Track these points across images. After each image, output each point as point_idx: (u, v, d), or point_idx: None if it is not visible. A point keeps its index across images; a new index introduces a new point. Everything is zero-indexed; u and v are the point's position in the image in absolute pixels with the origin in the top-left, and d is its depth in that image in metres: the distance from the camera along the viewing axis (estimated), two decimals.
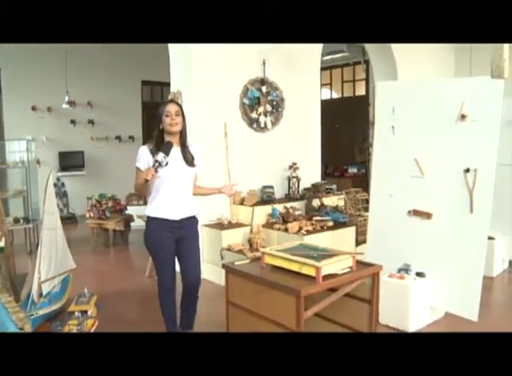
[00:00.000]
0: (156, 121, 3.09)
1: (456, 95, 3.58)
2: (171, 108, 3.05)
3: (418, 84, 4.06)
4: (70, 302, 3.84)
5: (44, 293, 3.79)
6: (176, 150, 3.06)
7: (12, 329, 2.24)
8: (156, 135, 3.09)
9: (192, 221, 3.22)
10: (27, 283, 4.12)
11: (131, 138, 9.58)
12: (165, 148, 2.94)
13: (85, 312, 3.51)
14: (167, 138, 3.08)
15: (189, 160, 3.10)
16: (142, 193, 3.32)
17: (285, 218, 5.12)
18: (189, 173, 3.13)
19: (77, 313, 3.46)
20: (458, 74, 7.56)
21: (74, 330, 3.19)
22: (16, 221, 6.25)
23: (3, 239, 3.45)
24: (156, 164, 2.86)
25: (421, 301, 3.68)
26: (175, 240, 3.13)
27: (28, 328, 2.29)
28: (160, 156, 2.87)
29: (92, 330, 3.36)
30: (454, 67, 7.79)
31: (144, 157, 3.06)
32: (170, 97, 5.27)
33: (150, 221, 3.14)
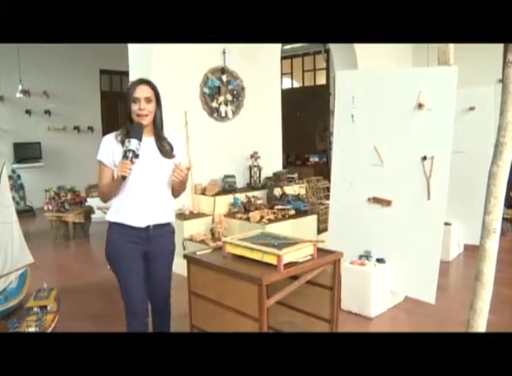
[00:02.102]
0: (124, 107, 2.48)
1: (413, 84, 3.65)
2: (140, 92, 2.40)
3: (377, 73, 4.12)
4: (28, 298, 3.75)
5: None
6: (149, 140, 2.47)
7: None
8: (126, 124, 2.47)
9: (165, 230, 2.57)
10: None
11: (90, 128, 9.38)
12: (135, 132, 2.36)
13: (45, 307, 3.43)
14: None
15: (165, 150, 2.49)
16: (111, 196, 2.48)
17: (247, 208, 5.13)
18: (165, 167, 2.48)
19: (35, 309, 3.38)
20: (416, 64, 7.70)
21: (33, 326, 3.11)
22: None
23: None
24: (131, 154, 2.29)
25: (381, 286, 3.77)
26: (143, 253, 2.52)
27: None
28: (134, 143, 2.30)
29: (53, 326, 3.28)
30: (412, 57, 7.94)
31: (108, 148, 2.46)
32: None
33: (111, 228, 2.52)
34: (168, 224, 2.60)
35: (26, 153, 8.75)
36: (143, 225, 2.48)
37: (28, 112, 8.76)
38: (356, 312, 3.77)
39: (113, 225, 2.50)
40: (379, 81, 3.90)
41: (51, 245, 6.37)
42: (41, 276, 4.25)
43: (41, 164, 8.80)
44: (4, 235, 3.78)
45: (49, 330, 3.22)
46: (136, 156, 2.31)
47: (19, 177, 8.32)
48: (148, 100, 2.42)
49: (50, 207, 6.53)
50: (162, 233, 2.56)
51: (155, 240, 2.53)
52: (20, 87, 8.34)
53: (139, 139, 2.34)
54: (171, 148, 2.52)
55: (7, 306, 3.59)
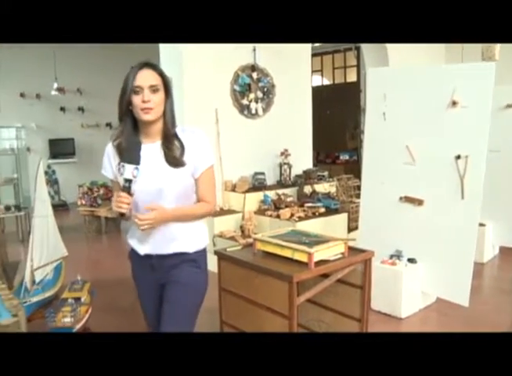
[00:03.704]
0: (121, 99, 1.88)
1: (447, 81, 3.58)
2: (143, 79, 1.84)
3: (409, 70, 4.06)
4: (63, 289, 3.84)
5: (37, 280, 3.79)
6: (153, 146, 1.92)
7: (6, 316, 2.24)
8: (122, 124, 1.92)
9: (180, 260, 2.00)
10: (20, 271, 4.12)
11: None
12: (131, 154, 1.84)
13: (79, 299, 3.50)
14: (142, 128, 1.93)
15: (171, 156, 1.89)
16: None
17: (277, 205, 5.13)
18: (174, 179, 1.91)
19: (70, 300, 3.45)
20: (449, 60, 7.55)
21: (68, 316, 3.19)
22: (8, 209, 6.22)
23: None
24: (127, 184, 1.83)
25: (413, 286, 3.72)
26: (156, 281, 2.05)
27: (22, 315, 2.28)
28: (129, 170, 1.81)
29: (86, 317, 3.36)
30: (445, 53, 7.79)
31: (106, 158, 2.04)
32: None
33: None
34: (185, 254, 2.00)
35: (60, 149, 8.98)
36: (142, 252, 2.03)
37: (63, 109, 9.00)
38: (386, 312, 3.73)
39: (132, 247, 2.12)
40: (411, 78, 3.84)
41: (84, 239, 6.51)
42: (74, 269, 4.35)
43: (74, 159, 9.02)
44: (40, 228, 3.87)
45: (83, 322, 3.29)
46: (129, 186, 1.84)
47: (53, 172, 8.54)
48: (154, 89, 1.85)
49: (83, 202, 6.69)
50: (176, 264, 2.00)
51: (163, 271, 2.02)
52: (56, 85, 8.55)
53: (136, 163, 1.82)
54: (182, 153, 1.91)
55: (44, 296, 3.68)
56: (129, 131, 1.92)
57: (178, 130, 1.97)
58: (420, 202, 3.77)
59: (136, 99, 1.84)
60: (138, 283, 2.16)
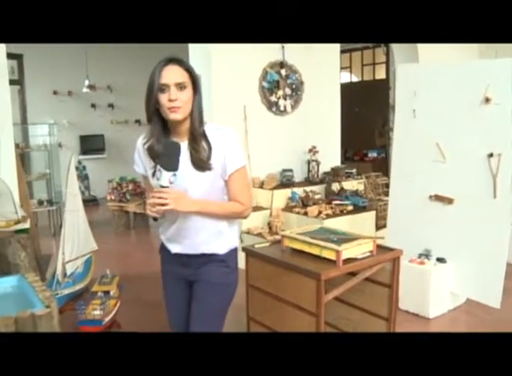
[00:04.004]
0: (148, 98, 1.79)
1: (480, 77, 3.50)
2: (169, 76, 1.75)
3: (440, 66, 3.99)
4: (93, 283, 3.92)
5: (68, 273, 3.88)
6: (181, 145, 1.81)
7: (39, 307, 2.29)
8: (151, 122, 1.84)
9: (209, 259, 1.97)
10: (52, 264, 4.22)
11: None
12: (170, 160, 1.74)
13: (108, 292, 3.57)
14: (171, 127, 1.86)
15: (197, 158, 1.82)
16: None
17: (304, 202, 5.12)
18: (200, 181, 1.84)
19: (100, 293, 3.52)
20: (483, 56, 7.39)
21: (97, 309, 3.25)
22: (40, 203, 6.38)
23: (28, 220, 3.51)
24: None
25: (442, 286, 3.67)
26: (188, 280, 2.04)
27: (54, 306, 2.33)
28: (166, 177, 1.73)
29: (115, 310, 3.42)
30: (478, 48, 7.61)
31: (137, 157, 2.00)
32: None
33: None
34: (214, 255, 1.97)
35: (90, 145, 9.15)
36: (172, 251, 2.02)
37: (93, 106, 9.16)
38: (414, 312, 3.69)
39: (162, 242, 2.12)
40: (442, 75, 3.77)
41: (113, 234, 6.62)
42: (103, 263, 4.43)
43: (104, 155, 9.18)
44: (71, 222, 3.96)
45: (111, 315, 3.36)
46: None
47: (84, 168, 8.70)
48: (181, 87, 1.76)
49: (112, 197, 6.80)
50: (206, 263, 1.98)
51: (192, 268, 2.00)
52: (87, 82, 8.71)
53: (175, 169, 1.74)
54: (208, 155, 1.82)
55: (74, 289, 3.78)
56: (160, 133, 1.85)
57: (210, 128, 1.88)
58: (449, 201, 3.71)
59: (163, 98, 1.76)
60: (165, 279, 2.15)
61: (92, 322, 3.20)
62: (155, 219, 1.82)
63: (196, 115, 1.83)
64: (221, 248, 1.98)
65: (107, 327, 3.35)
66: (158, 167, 1.79)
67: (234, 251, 2.06)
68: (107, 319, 3.28)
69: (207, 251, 1.96)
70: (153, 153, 1.86)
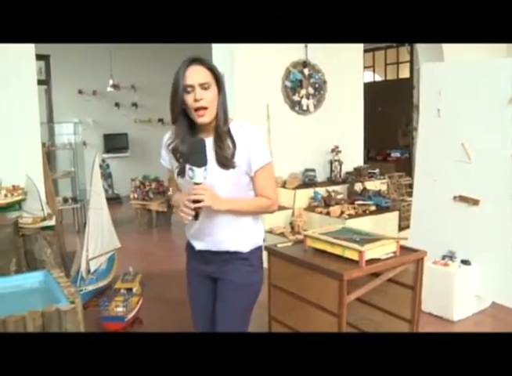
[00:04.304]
0: (173, 100, 1.82)
1: (506, 76, 3.43)
2: (194, 77, 1.77)
3: (466, 65, 3.92)
4: (115, 280, 3.97)
5: (91, 270, 3.94)
6: (207, 141, 1.82)
7: (64, 302, 2.33)
8: (177, 125, 1.87)
9: (233, 257, 1.97)
10: (76, 261, 4.28)
11: None
12: (199, 155, 1.75)
13: (130, 289, 3.62)
14: (197, 125, 1.87)
15: (222, 156, 1.83)
16: None
17: (327, 202, 5.10)
18: (225, 178, 1.85)
19: (122, 290, 3.57)
20: (511, 55, 7.24)
21: (120, 306, 3.30)
22: (65, 201, 6.49)
23: (54, 218, 3.57)
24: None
25: (466, 289, 3.61)
26: (212, 277, 2.05)
27: (78, 302, 2.37)
28: (200, 174, 1.74)
29: (138, 307, 3.46)
30: (506, 47, 7.46)
31: (165, 152, 2.01)
32: None
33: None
34: (238, 253, 1.97)
35: (114, 143, 9.25)
36: (196, 248, 2.03)
37: (117, 105, 9.26)
38: (437, 314, 3.64)
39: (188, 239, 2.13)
40: (468, 74, 3.70)
41: (135, 232, 6.69)
42: (126, 261, 4.49)
43: (127, 154, 9.28)
44: (95, 220, 4.02)
45: (134, 312, 3.39)
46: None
47: (108, 166, 8.80)
48: (205, 86, 1.78)
49: (135, 196, 6.87)
50: (228, 261, 1.99)
51: (216, 264, 2.01)
52: (111, 81, 8.82)
53: (205, 163, 1.75)
54: (233, 153, 1.83)
55: (98, 286, 3.83)
56: (186, 133, 1.87)
57: (235, 125, 1.89)
58: (474, 202, 3.65)
59: (188, 99, 1.78)
60: (190, 276, 2.15)
61: (115, 318, 3.25)
62: (196, 218, 1.79)
63: (221, 114, 1.85)
64: (244, 246, 1.99)
65: (130, 324, 3.39)
66: (188, 166, 1.80)
67: (258, 250, 2.07)
68: (130, 316, 3.32)
69: (230, 249, 1.97)
70: (178, 154, 1.89)
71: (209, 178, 1.81)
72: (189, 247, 2.10)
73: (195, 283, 2.13)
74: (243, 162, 1.87)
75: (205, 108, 1.79)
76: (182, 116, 1.85)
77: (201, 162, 1.74)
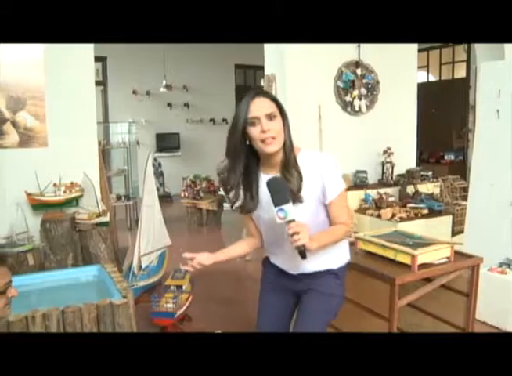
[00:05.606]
0: (232, 134, 1.79)
1: None
2: (259, 109, 1.74)
3: None
4: (166, 277, 4.04)
5: (143, 266, 4.03)
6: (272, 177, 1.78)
7: (117, 296, 2.41)
8: (232, 157, 1.83)
9: (323, 274, 1.98)
10: (128, 257, 4.39)
11: (225, 121, 9.76)
12: (280, 193, 1.68)
13: (180, 286, 3.67)
14: (263, 160, 1.86)
15: (293, 192, 1.77)
16: None
17: (378, 204, 5.00)
18: (304, 213, 1.79)
19: (172, 287, 3.63)
20: None
21: (170, 302, 3.36)
22: (118, 198, 6.68)
23: (108, 214, 3.69)
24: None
25: None
26: (294, 292, 2.05)
27: (130, 297, 2.45)
28: (290, 210, 1.66)
29: (187, 305, 3.51)
30: None
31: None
32: (264, 82, 5.28)
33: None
34: (328, 270, 1.98)
35: (166, 143, 9.45)
36: (293, 272, 2.02)
37: (169, 105, 9.45)
38: (493, 324, 3.49)
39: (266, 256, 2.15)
40: None
41: (185, 230, 6.80)
42: (177, 258, 4.55)
43: (179, 153, 9.45)
44: (147, 217, 4.11)
45: (183, 309, 3.45)
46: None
47: (160, 165, 9.00)
48: (271, 117, 1.75)
49: (186, 194, 6.99)
50: (317, 278, 1.99)
51: (303, 282, 2.01)
52: (164, 82, 9.01)
53: (289, 199, 1.68)
54: (299, 186, 1.79)
55: (149, 282, 3.92)
56: (248, 168, 1.84)
57: (305, 155, 1.86)
58: None
59: (254, 131, 1.75)
60: (265, 287, 2.13)
61: (165, 314, 3.31)
62: (303, 256, 1.70)
63: (289, 144, 1.82)
64: (334, 264, 2.00)
65: (179, 320, 3.45)
66: (277, 208, 1.68)
67: (346, 266, 2.09)
68: (179, 312, 3.37)
69: (322, 269, 1.97)
70: (228, 186, 1.88)
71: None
72: (273, 266, 2.08)
73: (271, 294, 2.10)
74: (317, 189, 1.84)
75: (273, 138, 1.76)
76: (244, 152, 1.82)
77: (286, 198, 1.68)
